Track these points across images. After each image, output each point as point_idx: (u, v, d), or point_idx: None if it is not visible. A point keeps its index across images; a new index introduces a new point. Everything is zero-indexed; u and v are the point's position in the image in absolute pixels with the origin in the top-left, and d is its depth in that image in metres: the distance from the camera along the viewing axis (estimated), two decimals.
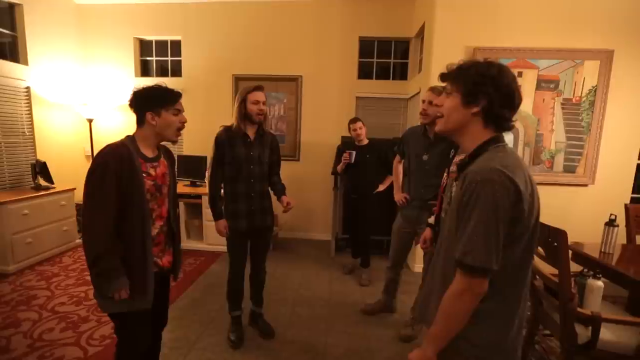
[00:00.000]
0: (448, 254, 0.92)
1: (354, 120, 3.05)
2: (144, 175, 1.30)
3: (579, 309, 1.54)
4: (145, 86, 1.34)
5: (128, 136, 1.34)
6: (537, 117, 2.97)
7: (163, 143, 1.43)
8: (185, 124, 1.41)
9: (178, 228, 1.53)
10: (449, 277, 0.89)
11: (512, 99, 0.87)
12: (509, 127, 0.91)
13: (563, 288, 1.52)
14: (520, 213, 0.81)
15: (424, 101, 2.01)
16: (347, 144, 3.21)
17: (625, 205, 2.38)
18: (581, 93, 2.91)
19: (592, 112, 2.92)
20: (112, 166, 1.21)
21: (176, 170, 1.60)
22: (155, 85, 1.34)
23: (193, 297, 2.65)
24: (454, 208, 0.89)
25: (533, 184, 0.85)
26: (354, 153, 2.97)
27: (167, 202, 1.44)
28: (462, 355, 0.91)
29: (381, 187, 3.03)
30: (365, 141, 3.06)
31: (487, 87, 0.86)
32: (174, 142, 1.42)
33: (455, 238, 0.87)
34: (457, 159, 1.54)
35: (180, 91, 1.39)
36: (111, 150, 1.24)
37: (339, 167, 3.10)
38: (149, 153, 1.36)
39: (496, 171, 0.80)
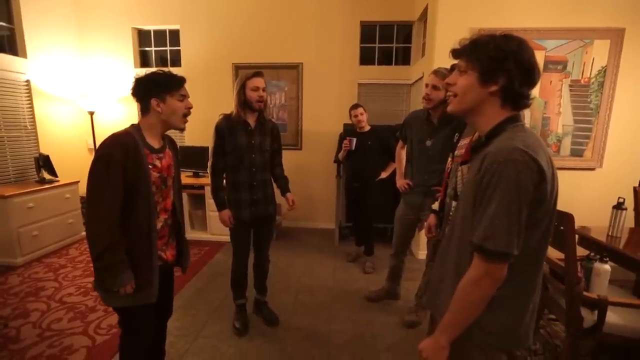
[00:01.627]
0: (462, 240, 0.88)
1: (355, 107, 3.00)
2: (149, 166, 1.26)
3: (585, 293, 1.52)
4: (147, 72, 1.29)
5: (133, 125, 1.30)
6: (544, 100, 2.89)
7: (167, 132, 1.40)
8: (191, 110, 1.37)
9: (183, 220, 1.51)
10: (463, 264, 0.86)
11: (532, 75, 0.81)
12: (527, 105, 0.85)
13: (569, 272, 1.50)
14: (543, 194, 0.77)
15: (427, 85, 1.96)
16: (349, 131, 3.16)
17: (634, 188, 2.33)
18: (590, 74, 2.82)
19: (601, 93, 2.84)
20: (117, 156, 1.16)
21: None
22: (158, 70, 1.30)
23: (198, 286, 2.68)
24: (470, 192, 0.84)
25: (553, 165, 0.81)
26: (354, 140, 2.93)
27: (172, 195, 1.41)
28: (474, 342, 0.88)
29: (384, 175, 3.00)
30: (367, 128, 3.01)
31: (507, 63, 0.79)
32: (182, 129, 1.38)
33: (471, 223, 0.82)
34: (462, 142, 1.50)
35: (183, 76, 1.35)
36: (115, 140, 1.19)
37: (340, 155, 3.07)
38: (154, 143, 1.31)
39: (519, 151, 0.75)
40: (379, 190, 3.03)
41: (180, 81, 1.31)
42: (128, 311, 1.30)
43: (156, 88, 1.27)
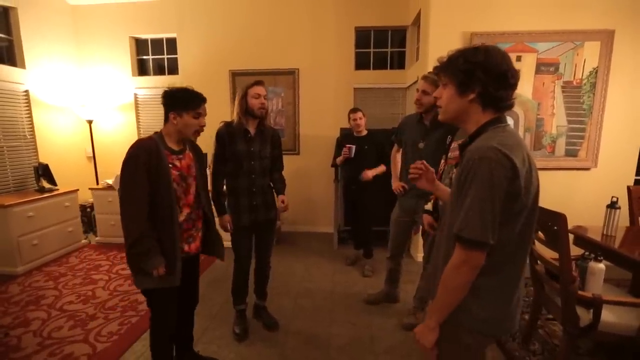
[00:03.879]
0: (450, 231, 0.95)
1: (354, 110, 3.02)
2: (170, 166, 1.45)
3: (580, 292, 1.54)
4: (173, 88, 1.48)
5: (156, 132, 1.51)
6: (537, 102, 2.93)
7: None
8: (203, 128, 1.55)
9: (212, 213, 1.69)
10: (450, 254, 0.93)
11: (505, 79, 0.88)
12: (509, 107, 0.93)
13: (564, 271, 1.51)
14: (518, 189, 0.83)
15: (417, 90, 2.00)
16: (346, 135, 3.18)
17: (628, 187, 2.36)
18: (582, 75, 2.86)
19: (594, 94, 2.88)
20: (142, 158, 1.37)
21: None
22: (183, 88, 1.48)
23: None
24: (455, 187, 0.93)
25: (532, 163, 0.87)
26: (353, 148, 2.94)
27: (194, 191, 1.58)
28: (464, 327, 0.96)
29: (370, 174, 2.91)
30: (365, 132, 3.03)
31: (477, 73, 0.88)
32: (193, 140, 1.60)
33: (456, 215, 0.90)
34: (455, 144, 1.53)
35: (205, 97, 1.52)
36: (140, 144, 1.41)
37: (339, 160, 3.09)
38: (174, 146, 1.51)
39: (493, 149, 0.82)
40: (376, 194, 3.04)
41: (197, 101, 1.49)
42: (155, 294, 1.50)
43: (175, 103, 1.46)
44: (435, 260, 1.09)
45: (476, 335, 0.97)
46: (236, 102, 1.94)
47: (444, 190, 1.28)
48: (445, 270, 0.92)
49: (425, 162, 1.27)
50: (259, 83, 1.93)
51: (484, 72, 0.87)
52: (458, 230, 0.87)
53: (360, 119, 2.98)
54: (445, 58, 0.96)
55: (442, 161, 1.61)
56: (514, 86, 0.90)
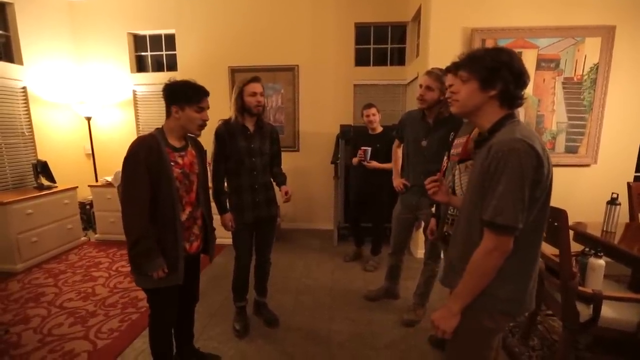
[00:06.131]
0: (471, 222, 1.01)
1: (368, 106, 2.91)
2: (172, 163, 1.41)
3: (580, 288, 1.54)
4: (175, 81, 1.43)
5: (157, 128, 1.46)
6: (537, 98, 2.92)
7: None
8: (206, 122, 1.50)
9: (210, 213, 1.65)
10: (472, 241, 0.98)
11: (523, 79, 0.97)
12: (521, 104, 1.01)
13: (564, 267, 1.52)
14: (541, 176, 0.90)
15: (421, 86, 1.97)
16: (346, 132, 3.16)
17: (628, 183, 2.36)
18: (582, 71, 2.85)
19: (594, 90, 2.87)
20: (141, 155, 1.32)
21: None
22: (185, 81, 1.43)
23: None
24: (477, 179, 0.98)
25: (546, 150, 0.94)
26: (369, 150, 2.87)
27: (196, 189, 1.54)
28: (488, 311, 1.01)
29: (373, 163, 2.87)
30: (379, 129, 2.92)
31: (502, 72, 0.95)
32: (197, 135, 1.54)
33: (478, 205, 0.96)
34: (458, 141, 1.52)
35: (207, 90, 1.47)
36: (140, 142, 1.37)
37: (354, 161, 2.99)
38: (176, 143, 1.46)
39: (519, 141, 0.89)
40: (388, 192, 2.84)
41: (199, 95, 1.43)
42: (155, 292, 1.47)
43: (177, 97, 1.41)
44: (451, 252, 1.14)
45: (497, 316, 1.01)
46: (232, 100, 1.92)
47: (456, 199, 1.31)
48: (474, 257, 0.96)
49: (440, 173, 1.32)
50: (254, 80, 1.88)
51: (508, 71, 0.95)
52: (491, 217, 0.91)
53: (374, 115, 2.88)
54: (467, 55, 1.02)
55: (445, 158, 1.60)
56: (526, 87, 0.99)
